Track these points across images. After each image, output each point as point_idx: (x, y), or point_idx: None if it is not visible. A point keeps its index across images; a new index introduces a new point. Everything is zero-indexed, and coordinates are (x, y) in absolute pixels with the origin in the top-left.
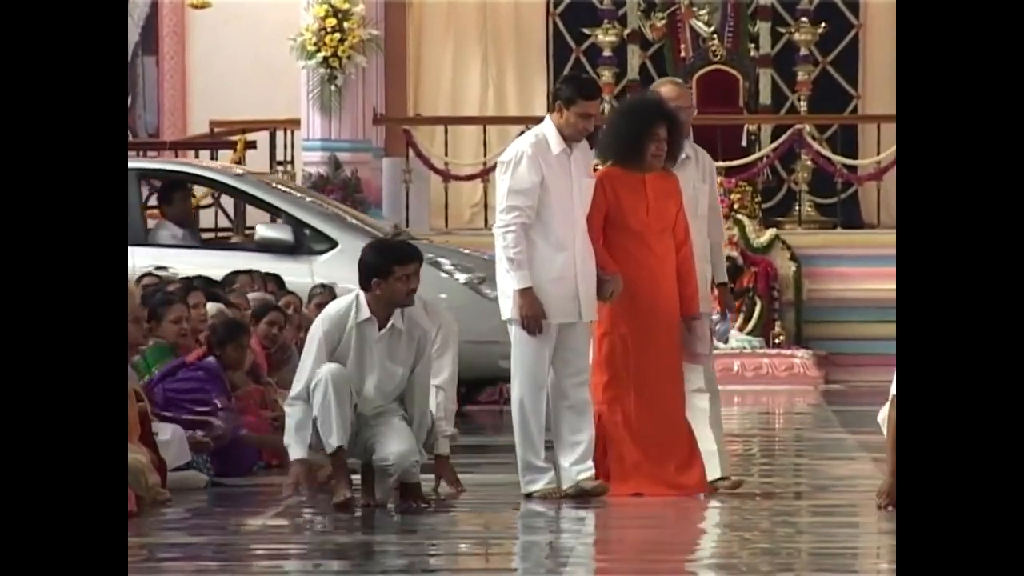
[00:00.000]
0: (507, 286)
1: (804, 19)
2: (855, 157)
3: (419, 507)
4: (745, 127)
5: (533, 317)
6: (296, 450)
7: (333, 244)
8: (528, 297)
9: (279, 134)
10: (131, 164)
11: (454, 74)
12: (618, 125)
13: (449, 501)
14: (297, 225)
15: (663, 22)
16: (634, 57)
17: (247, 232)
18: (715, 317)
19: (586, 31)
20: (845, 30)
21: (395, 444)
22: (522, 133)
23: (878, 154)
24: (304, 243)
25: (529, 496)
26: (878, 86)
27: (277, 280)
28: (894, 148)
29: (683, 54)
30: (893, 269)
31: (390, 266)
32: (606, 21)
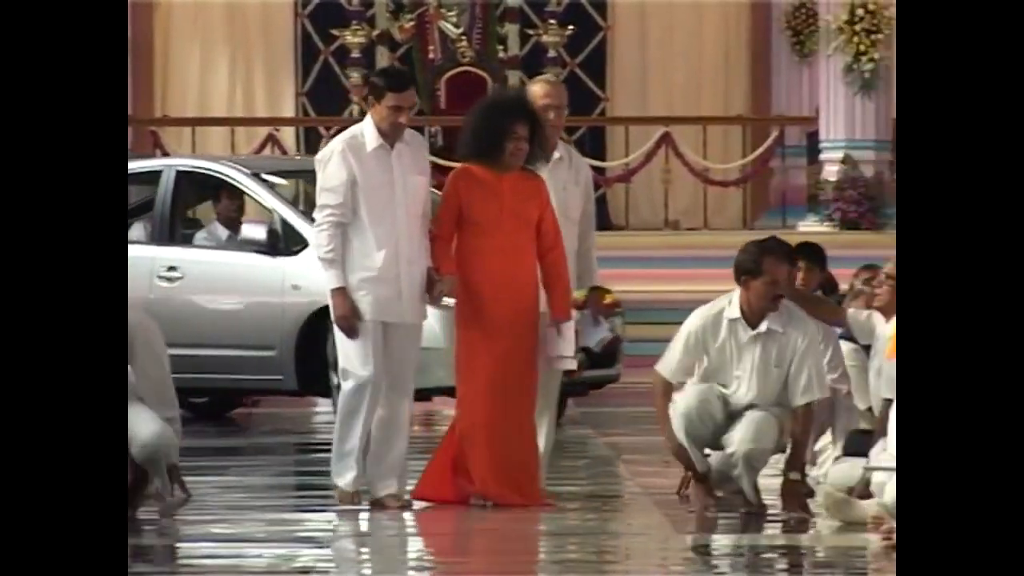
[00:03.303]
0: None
1: (552, 21)
2: (603, 159)
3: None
4: None
5: (343, 317)
6: None
7: (305, 244)
8: (340, 297)
9: None
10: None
11: (201, 75)
12: (477, 122)
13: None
14: (279, 223)
15: (411, 23)
16: (383, 58)
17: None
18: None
19: (334, 32)
20: (593, 32)
21: (142, 427)
22: (270, 134)
23: (626, 156)
24: (279, 243)
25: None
26: (625, 88)
27: None
28: (642, 150)
29: (431, 55)
30: (641, 271)
31: None
32: (354, 22)
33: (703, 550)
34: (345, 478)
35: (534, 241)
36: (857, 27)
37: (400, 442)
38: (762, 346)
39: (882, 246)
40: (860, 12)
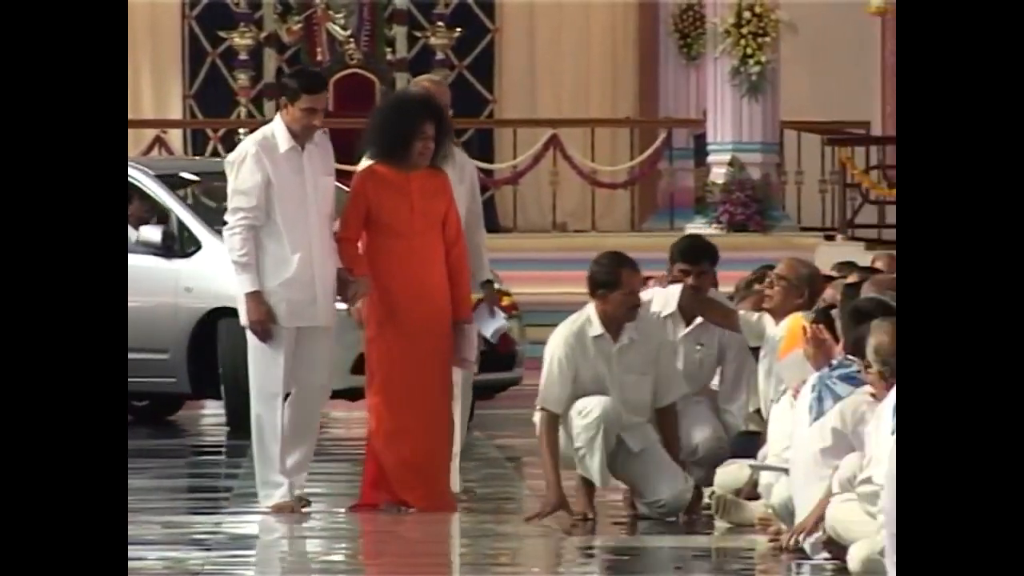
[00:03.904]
0: (238, 290)
1: (440, 23)
2: (491, 161)
3: None
4: None
5: (259, 322)
6: None
7: (199, 246)
8: (254, 301)
9: None
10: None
11: None
12: (384, 121)
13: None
14: (175, 225)
15: (299, 25)
16: (270, 60)
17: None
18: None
19: (222, 34)
20: (481, 34)
21: None
22: (157, 136)
23: (514, 158)
24: (174, 245)
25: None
26: (513, 90)
27: None
28: (530, 152)
29: (319, 58)
30: (529, 272)
31: None
32: (242, 24)
33: (593, 551)
34: (278, 493)
35: (443, 239)
36: (744, 30)
37: (306, 445)
38: (628, 357)
39: (769, 248)
40: (747, 15)
